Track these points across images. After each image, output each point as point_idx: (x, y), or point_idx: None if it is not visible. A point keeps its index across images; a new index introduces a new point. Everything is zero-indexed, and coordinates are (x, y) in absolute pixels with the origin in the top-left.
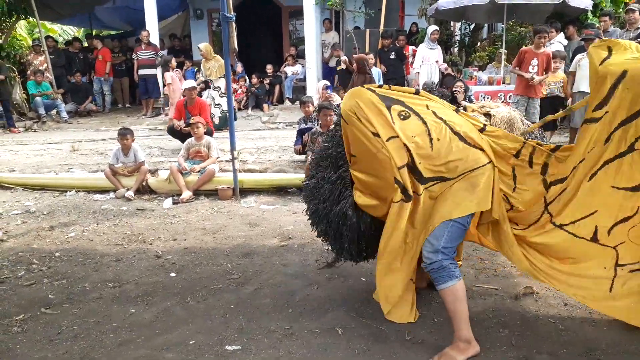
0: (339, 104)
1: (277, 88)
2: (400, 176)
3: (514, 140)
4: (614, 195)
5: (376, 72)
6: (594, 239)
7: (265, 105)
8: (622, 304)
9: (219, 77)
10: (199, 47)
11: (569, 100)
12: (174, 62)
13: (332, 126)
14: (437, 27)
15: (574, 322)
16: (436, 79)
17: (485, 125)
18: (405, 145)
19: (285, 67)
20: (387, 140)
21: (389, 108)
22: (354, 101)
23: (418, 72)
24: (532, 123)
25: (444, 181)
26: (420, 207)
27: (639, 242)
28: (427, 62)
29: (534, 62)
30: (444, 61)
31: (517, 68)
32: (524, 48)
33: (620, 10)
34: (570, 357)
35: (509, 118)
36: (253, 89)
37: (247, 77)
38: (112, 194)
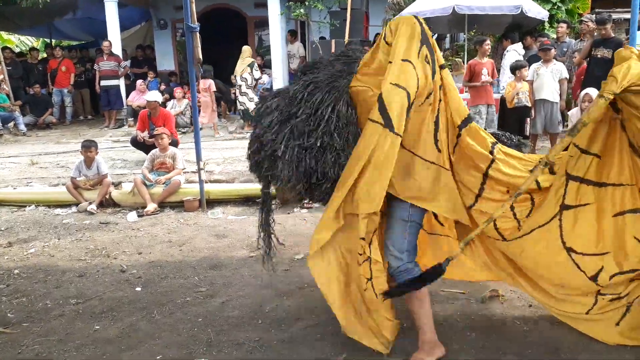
0: None
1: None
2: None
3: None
4: (631, 243)
5: None
6: (594, 279)
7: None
8: (597, 324)
9: (243, 73)
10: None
11: (532, 110)
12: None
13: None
14: None
15: (538, 323)
16: None
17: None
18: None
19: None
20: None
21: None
22: (400, 18)
23: None
24: (497, 131)
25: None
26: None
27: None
28: None
29: (484, 71)
30: None
31: (469, 81)
32: (471, 61)
33: (575, 21)
34: (536, 357)
35: None
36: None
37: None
38: (74, 208)
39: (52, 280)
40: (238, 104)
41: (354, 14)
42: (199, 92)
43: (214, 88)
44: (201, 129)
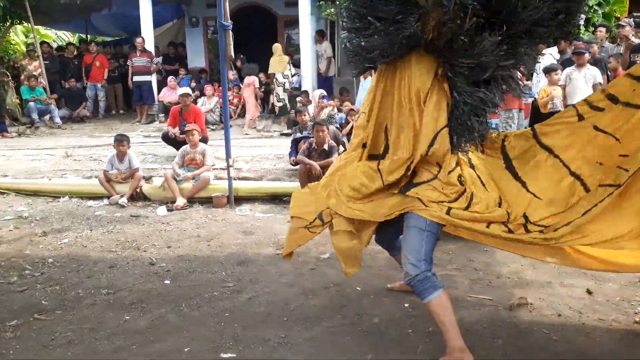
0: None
1: (271, 97)
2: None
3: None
4: None
5: (370, 81)
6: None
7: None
8: None
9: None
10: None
11: None
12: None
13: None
14: None
15: (567, 332)
16: None
17: None
18: None
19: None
20: None
21: None
22: None
23: None
24: None
25: None
26: None
27: None
28: None
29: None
30: None
31: None
32: None
33: (612, 24)
34: None
35: None
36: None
37: (240, 86)
38: (105, 201)
39: (84, 270)
40: (276, 100)
41: None
42: (230, 90)
43: (257, 84)
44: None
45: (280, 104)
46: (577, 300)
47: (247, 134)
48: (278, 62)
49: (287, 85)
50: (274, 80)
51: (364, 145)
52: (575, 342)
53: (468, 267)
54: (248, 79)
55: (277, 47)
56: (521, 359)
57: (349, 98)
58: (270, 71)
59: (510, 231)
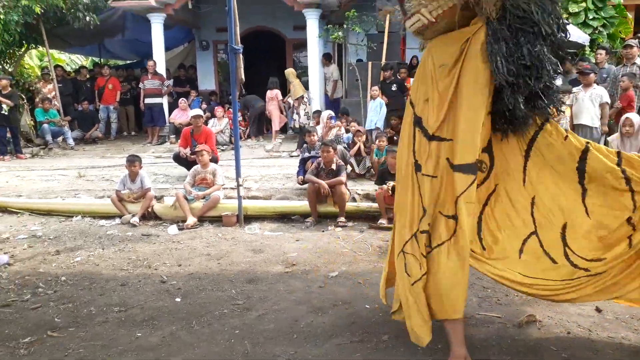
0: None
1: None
2: None
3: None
4: None
5: (379, 103)
6: None
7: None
8: None
9: (295, 98)
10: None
11: None
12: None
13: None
14: None
15: (576, 350)
16: None
17: None
18: None
19: (288, 97)
20: None
21: None
22: None
23: None
24: None
25: None
26: None
27: None
28: None
29: None
30: None
31: None
32: None
33: (617, 45)
34: None
35: None
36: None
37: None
38: (117, 220)
39: (97, 288)
40: (294, 122)
41: (391, 37)
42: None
43: (280, 97)
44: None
45: (297, 125)
46: (586, 318)
47: (275, 145)
48: (297, 85)
49: (306, 109)
50: (303, 100)
51: None
52: None
53: (476, 285)
54: (270, 93)
55: (292, 72)
56: None
57: (356, 119)
58: (296, 95)
59: None
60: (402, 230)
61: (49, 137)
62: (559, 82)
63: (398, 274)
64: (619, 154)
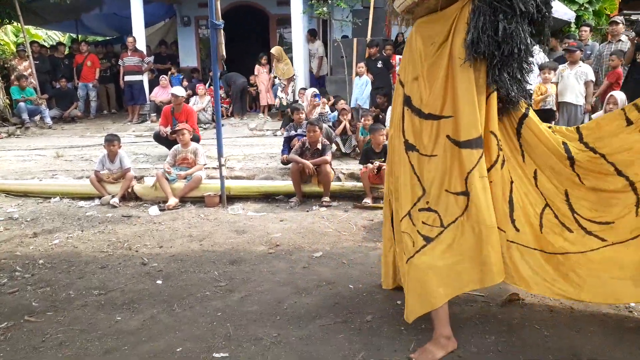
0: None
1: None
2: None
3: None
4: None
5: (365, 80)
6: None
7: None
8: None
9: (287, 77)
10: (271, 52)
11: (557, 113)
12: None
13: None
14: None
15: (558, 328)
16: None
17: None
18: None
19: (273, 75)
20: None
21: None
22: None
23: None
24: None
25: None
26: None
27: None
28: None
29: None
30: None
31: None
32: None
33: (603, 22)
34: None
35: None
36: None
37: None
38: (97, 201)
39: (75, 271)
40: (282, 100)
41: (377, 13)
42: (221, 88)
43: (272, 74)
44: (223, 125)
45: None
46: None
47: (259, 123)
48: (286, 68)
49: (293, 87)
50: (293, 78)
51: None
52: (566, 338)
53: None
54: (260, 69)
55: (279, 51)
56: (513, 355)
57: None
58: (288, 75)
59: None
60: (399, 211)
61: (25, 116)
62: (542, 56)
63: (398, 256)
64: (577, 129)
